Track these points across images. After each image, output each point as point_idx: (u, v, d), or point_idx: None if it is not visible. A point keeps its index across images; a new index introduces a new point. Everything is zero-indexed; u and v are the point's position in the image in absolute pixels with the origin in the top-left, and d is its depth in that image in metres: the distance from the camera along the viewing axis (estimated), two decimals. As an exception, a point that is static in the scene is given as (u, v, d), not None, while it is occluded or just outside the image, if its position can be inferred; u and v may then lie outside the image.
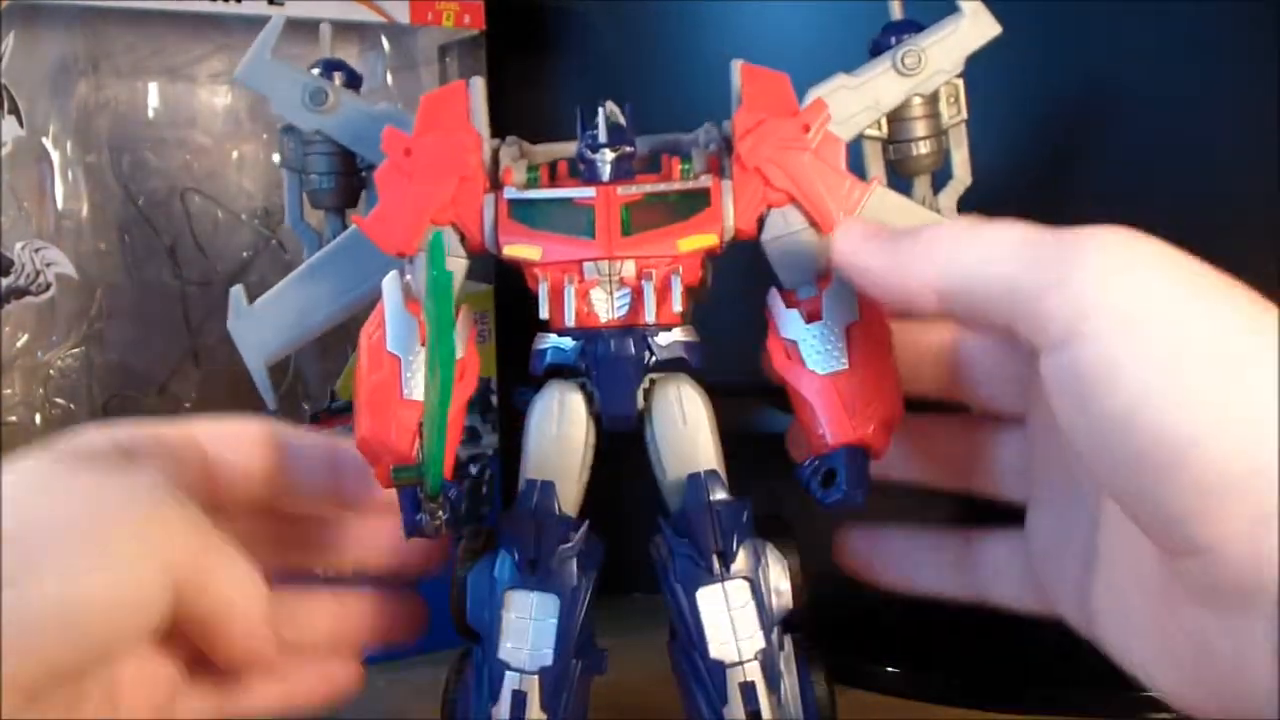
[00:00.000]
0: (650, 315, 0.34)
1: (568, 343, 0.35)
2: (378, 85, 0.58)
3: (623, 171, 0.35)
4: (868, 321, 0.34)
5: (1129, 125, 0.46)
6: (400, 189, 0.35)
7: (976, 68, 0.37)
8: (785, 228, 0.35)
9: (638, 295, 0.34)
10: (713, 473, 0.34)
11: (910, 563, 0.38)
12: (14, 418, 0.51)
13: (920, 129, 0.37)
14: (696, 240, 0.34)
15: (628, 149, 0.35)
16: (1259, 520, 0.23)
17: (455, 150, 0.36)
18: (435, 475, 0.31)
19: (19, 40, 0.50)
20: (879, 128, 0.37)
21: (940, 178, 0.38)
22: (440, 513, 0.32)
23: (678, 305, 0.34)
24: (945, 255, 0.30)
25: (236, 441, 0.36)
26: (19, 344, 0.51)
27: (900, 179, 0.38)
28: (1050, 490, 0.34)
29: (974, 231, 0.30)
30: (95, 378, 0.53)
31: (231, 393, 0.55)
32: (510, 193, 0.35)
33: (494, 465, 0.58)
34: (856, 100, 0.36)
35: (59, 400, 0.52)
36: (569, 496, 0.35)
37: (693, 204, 0.35)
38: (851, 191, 0.34)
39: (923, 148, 0.37)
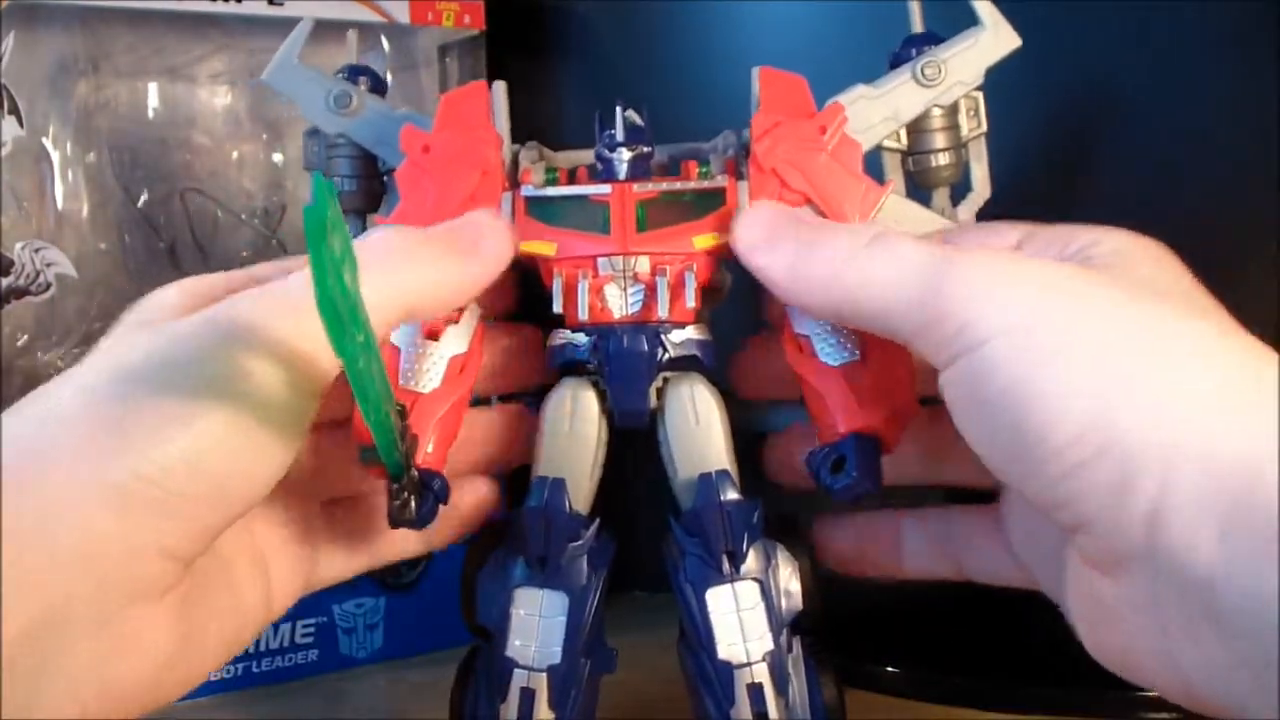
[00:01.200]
0: (663, 311, 0.34)
1: (581, 338, 0.35)
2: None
3: (639, 171, 0.35)
4: None
5: (1139, 133, 0.46)
6: (420, 186, 0.36)
7: (989, 76, 0.37)
8: None
9: (651, 292, 0.34)
10: (724, 473, 0.35)
11: (894, 548, 0.38)
12: (14, 418, 0.51)
13: (940, 141, 0.37)
14: (711, 238, 0.35)
15: (645, 149, 0.35)
16: (1115, 490, 0.25)
17: (475, 146, 0.36)
18: (387, 460, 0.30)
19: (19, 40, 0.50)
20: (898, 139, 0.37)
21: (959, 190, 0.38)
22: (408, 498, 0.32)
23: (691, 301, 0.34)
24: (844, 271, 0.30)
25: None
26: (19, 344, 0.51)
27: (919, 191, 0.38)
28: None
29: (872, 251, 0.30)
30: (95, 378, 0.53)
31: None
32: (527, 190, 0.36)
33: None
34: (876, 111, 0.36)
35: (59, 400, 0.52)
36: (580, 494, 0.35)
37: (708, 203, 0.35)
38: (868, 194, 0.35)
39: (942, 159, 0.38)
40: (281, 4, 0.51)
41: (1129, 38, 0.45)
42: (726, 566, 0.34)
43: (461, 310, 0.36)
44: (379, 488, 0.34)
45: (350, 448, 0.33)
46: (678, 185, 0.35)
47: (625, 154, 0.35)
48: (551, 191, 0.36)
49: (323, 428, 0.33)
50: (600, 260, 0.35)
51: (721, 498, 0.34)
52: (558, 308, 0.35)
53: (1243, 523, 0.24)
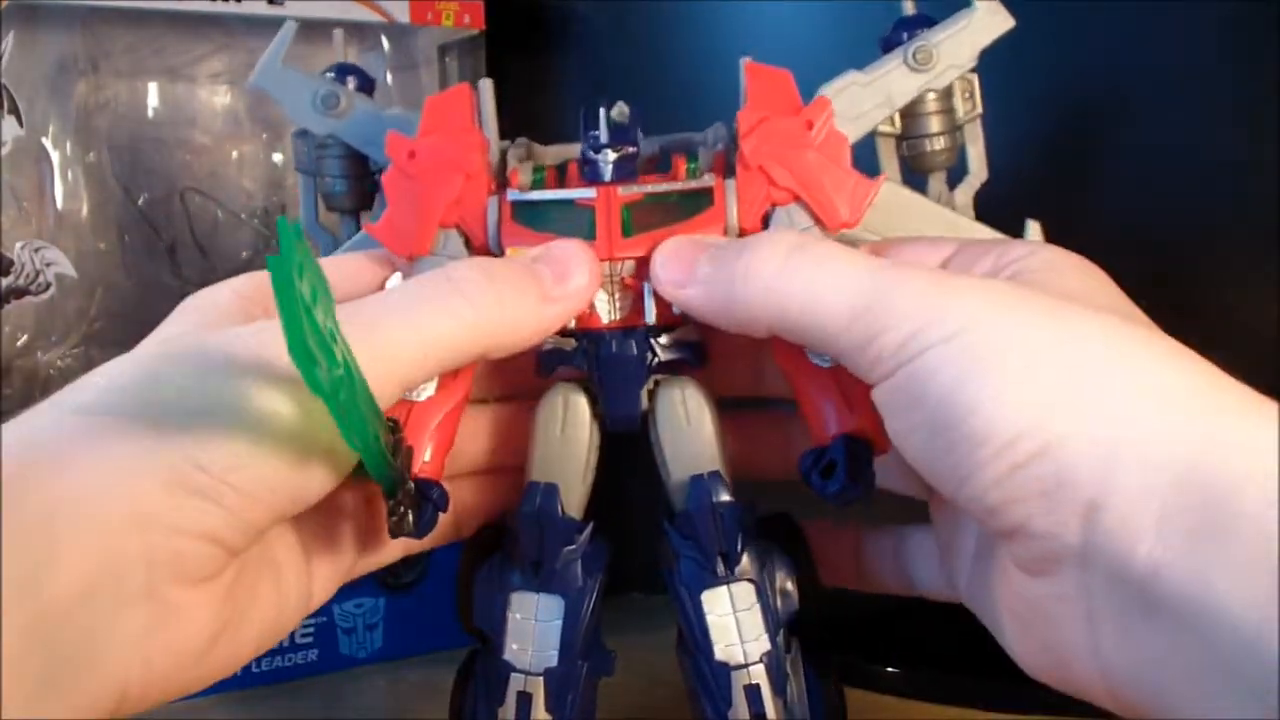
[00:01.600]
0: (650, 316, 0.34)
1: (570, 344, 0.35)
2: (378, 85, 0.58)
3: (626, 172, 0.35)
4: None
5: (1139, 121, 0.46)
6: (406, 192, 0.35)
7: (986, 63, 0.37)
8: (790, 226, 0.34)
9: (639, 296, 0.34)
10: (716, 474, 0.34)
11: (857, 560, 0.38)
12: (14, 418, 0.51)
13: (934, 125, 0.37)
14: None
15: (630, 149, 0.35)
16: (1052, 489, 0.26)
17: (459, 150, 0.35)
18: (379, 478, 0.30)
19: (19, 40, 0.50)
20: (892, 124, 0.37)
21: (955, 173, 0.38)
22: (404, 512, 0.31)
23: (678, 307, 0.34)
24: (773, 286, 0.30)
25: None
26: (19, 344, 0.51)
27: (915, 175, 0.38)
28: None
29: (798, 263, 0.30)
30: (95, 378, 0.53)
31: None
32: (513, 194, 0.35)
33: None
34: (868, 97, 0.36)
35: (59, 400, 0.52)
36: (574, 498, 0.35)
37: (695, 203, 0.34)
38: (858, 188, 0.34)
39: (937, 144, 0.37)
40: (282, 4, 0.51)
41: (1131, 28, 0.45)
42: (721, 568, 0.34)
43: None
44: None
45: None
46: (663, 187, 0.35)
47: (610, 155, 0.35)
48: (537, 196, 0.35)
49: None
50: None
51: (714, 499, 0.34)
52: None
53: (1180, 512, 0.24)
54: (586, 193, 0.35)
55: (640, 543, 0.36)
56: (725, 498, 0.34)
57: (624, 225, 0.34)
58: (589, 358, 0.34)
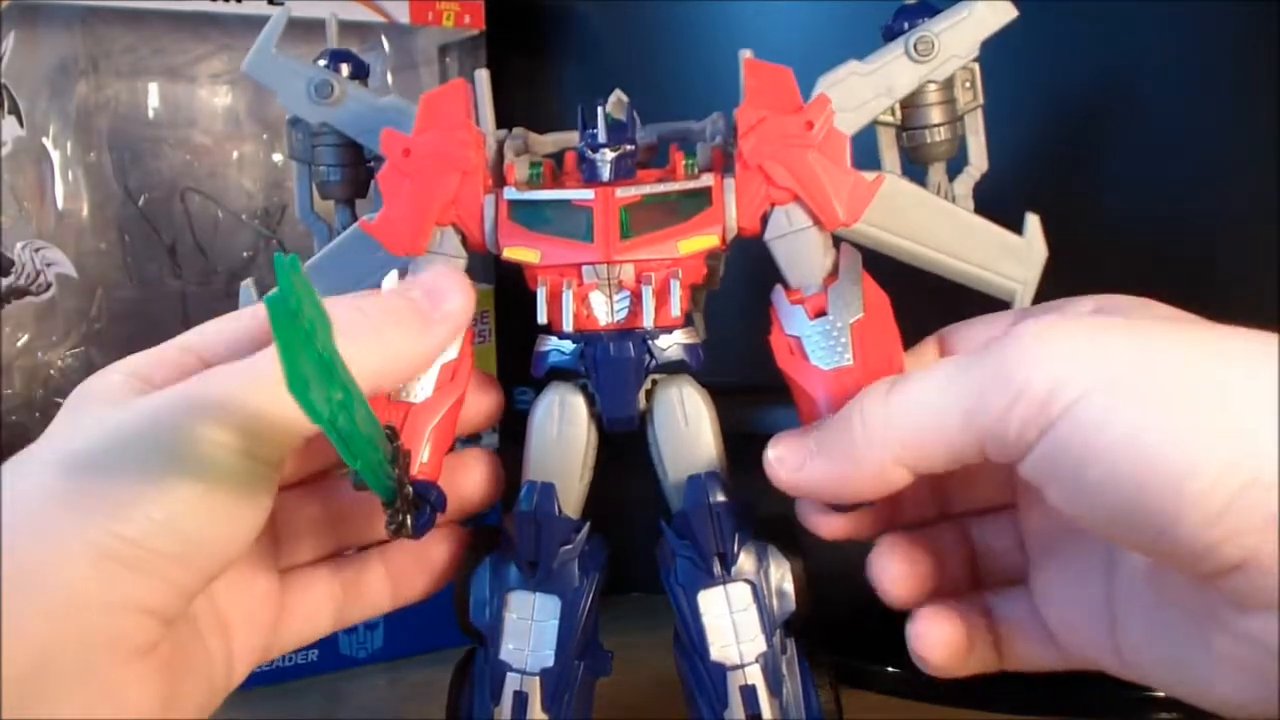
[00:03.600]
0: (648, 321, 0.34)
1: (568, 345, 0.35)
2: (378, 85, 0.58)
3: (624, 170, 0.35)
4: (873, 319, 0.33)
5: (1140, 114, 0.46)
6: (402, 189, 0.35)
7: (988, 56, 0.36)
8: (789, 226, 0.34)
9: (637, 299, 0.34)
10: (713, 474, 0.34)
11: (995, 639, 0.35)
12: (14, 418, 0.51)
13: (935, 115, 0.36)
14: (697, 242, 0.34)
15: (628, 147, 0.35)
16: (1271, 521, 0.25)
17: (454, 147, 0.35)
18: (378, 489, 0.30)
19: (19, 40, 0.50)
20: (893, 114, 0.36)
21: (955, 164, 0.37)
22: (403, 517, 0.31)
23: (676, 310, 0.34)
24: (889, 429, 0.30)
25: None
26: (19, 344, 0.51)
27: (915, 166, 0.37)
28: (1053, 555, 0.34)
29: (901, 401, 0.30)
30: (95, 378, 0.53)
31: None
32: (510, 193, 0.35)
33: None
34: (868, 87, 0.35)
35: (59, 400, 0.51)
36: (571, 497, 0.35)
37: (694, 204, 0.34)
38: (858, 189, 0.34)
39: (938, 135, 0.36)
40: (282, 4, 0.51)
41: (1133, 20, 0.45)
42: (718, 568, 0.34)
43: None
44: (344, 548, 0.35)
45: (307, 514, 0.35)
46: (660, 188, 0.34)
47: (608, 154, 0.34)
48: (534, 195, 0.35)
49: (279, 494, 0.33)
50: (585, 268, 0.34)
51: (710, 499, 0.34)
52: (542, 317, 0.34)
53: None
54: (584, 194, 0.34)
55: (642, 542, 0.36)
56: (721, 498, 0.34)
57: (623, 227, 0.34)
58: (586, 359, 0.34)
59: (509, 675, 0.34)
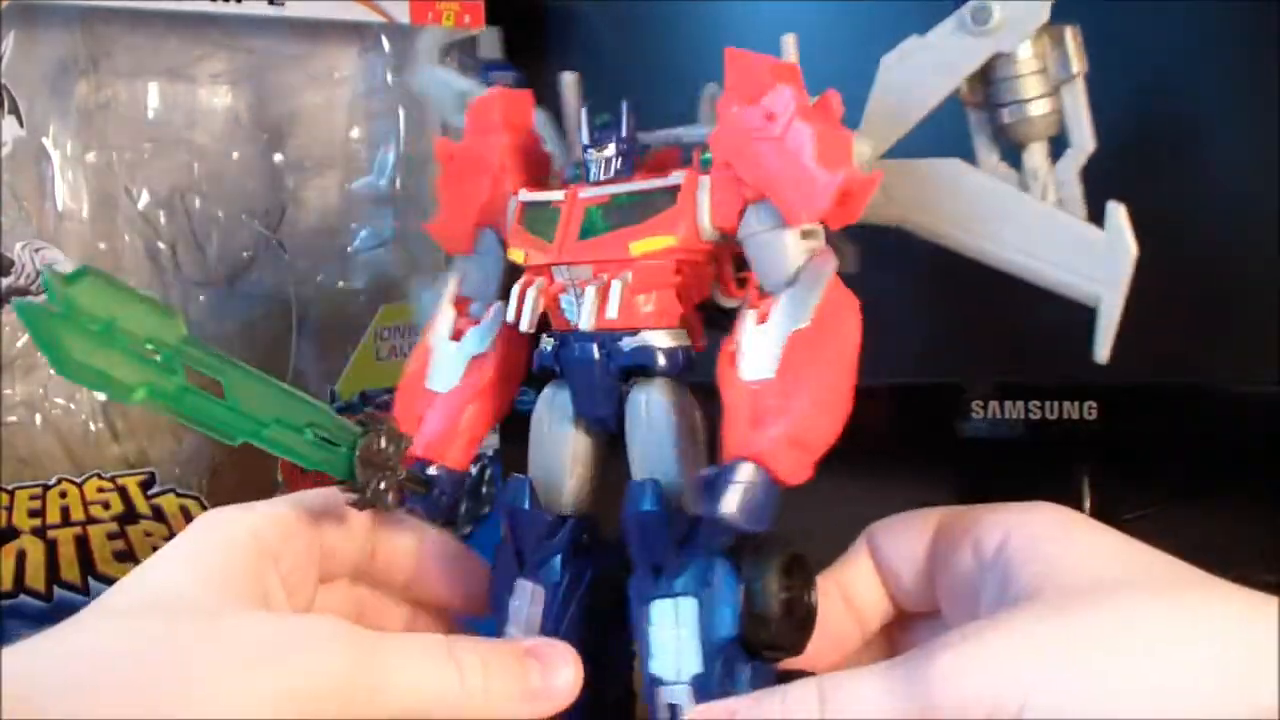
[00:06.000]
0: (585, 322, 0.33)
1: (548, 345, 0.35)
2: (378, 85, 0.58)
3: (619, 170, 0.35)
4: (819, 332, 0.30)
5: (1125, 122, 0.46)
6: (448, 195, 0.37)
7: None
8: (757, 224, 0.32)
9: (603, 300, 0.33)
10: (652, 481, 0.32)
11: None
12: (14, 418, 0.51)
13: (1025, 89, 0.32)
14: (649, 242, 0.33)
15: (621, 146, 0.35)
16: None
17: (485, 152, 0.36)
18: (301, 461, 0.32)
19: (19, 40, 0.50)
20: (976, 93, 0.33)
21: (1058, 144, 0.34)
22: (377, 490, 0.33)
23: (612, 312, 0.33)
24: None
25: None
26: (19, 344, 0.51)
27: (1011, 148, 0.34)
28: None
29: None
30: (95, 378, 0.53)
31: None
32: (523, 195, 0.36)
33: (495, 466, 0.58)
34: (929, 64, 0.33)
35: (59, 400, 0.52)
36: (561, 491, 0.35)
37: (658, 204, 0.33)
38: (826, 188, 0.30)
39: (1035, 109, 0.32)
40: (282, 4, 0.51)
41: (1138, 27, 0.45)
42: (660, 580, 0.32)
43: (490, 308, 0.37)
44: None
45: None
46: (628, 188, 0.34)
47: (594, 154, 0.35)
48: (532, 197, 0.36)
49: None
50: (555, 268, 0.34)
51: (638, 508, 0.32)
52: (511, 315, 0.34)
53: None
54: (557, 195, 0.35)
55: None
56: (650, 507, 0.32)
57: (584, 228, 0.34)
58: (561, 359, 0.35)
59: None
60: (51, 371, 0.52)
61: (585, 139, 0.35)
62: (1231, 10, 0.46)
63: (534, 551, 0.35)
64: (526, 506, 0.35)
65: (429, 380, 0.37)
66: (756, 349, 0.31)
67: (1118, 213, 0.32)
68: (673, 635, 0.32)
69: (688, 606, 0.32)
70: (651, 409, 0.33)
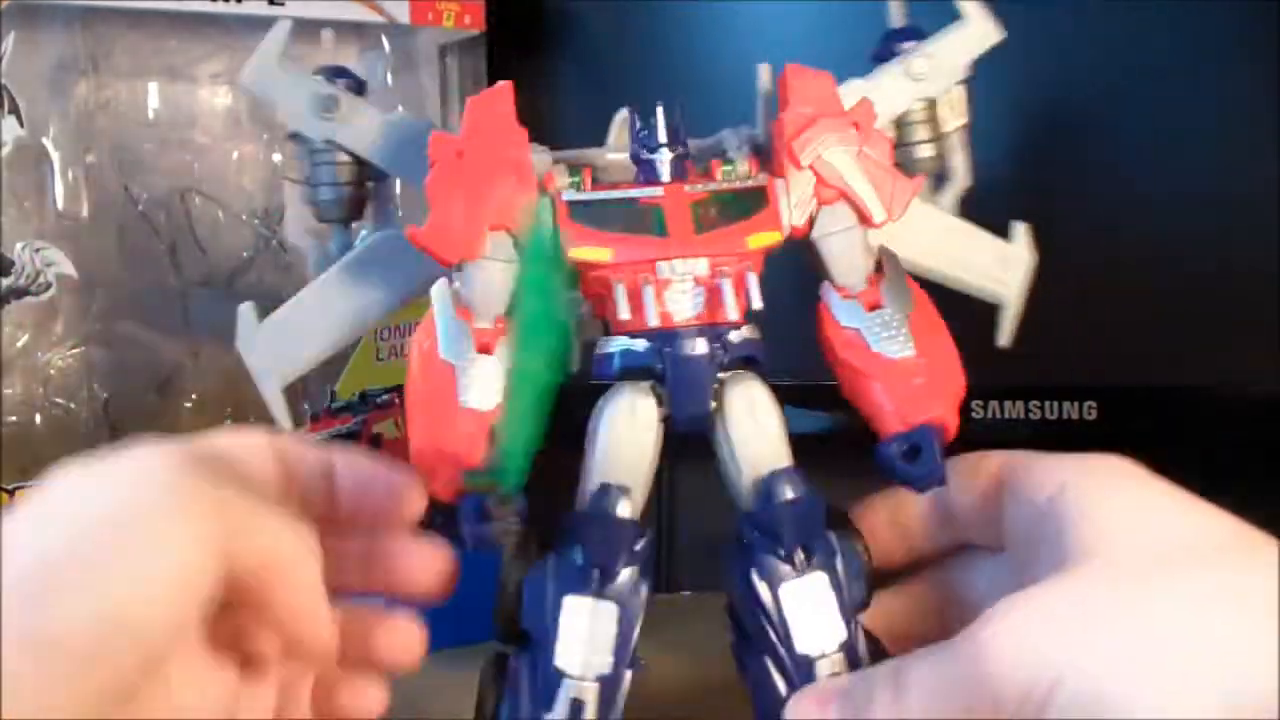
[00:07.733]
0: (732, 313, 0.33)
1: (640, 344, 0.34)
2: (378, 85, 0.58)
3: (680, 171, 0.35)
4: (923, 310, 0.35)
5: (1122, 124, 0.46)
6: (455, 195, 0.34)
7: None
8: (836, 224, 0.35)
9: (711, 293, 0.34)
10: (789, 470, 0.34)
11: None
12: (14, 418, 0.51)
13: (922, 133, 0.38)
14: (763, 237, 0.34)
15: (682, 150, 0.35)
16: None
17: (509, 149, 0.35)
18: (515, 477, 0.31)
19: (19, 40, 0.50)
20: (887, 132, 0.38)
21: (939, 179, 0.39)
22: (513, 519, 0.31)
23: (757, 302, 0.34)
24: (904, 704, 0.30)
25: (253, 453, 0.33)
26: (19, 344, 0.51)
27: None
28: None
29: (909, 684, 0.30)
30: (95, 378, 0.53)
31: (231, 392, 0.55)
32: (570, 194, 0.35)
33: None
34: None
35: (59, 400, 0.52)
36: (637, 502, 0.34)
37: (753, 203, 0.35)
38: (898, 188, 0.35)
39: (924, 151, 0.38)
40: (282, 4, 0.51)
41: (1118, 29, 0.46)
42: (800, 560, 0.34)
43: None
44: None
45: None
46: (725, 185, 0.35)
47: (667, 154, 0.35)
48: (598, 195, 0.35)
49: None
50: (660, 264, 0.34)
51: (791, 495, 0.34)
52: (623, 314, 0.34)
53: None
54: (653, 191, 0.35)
55: (691, 542, 0.36)
56: (799, 494, 0.34)
57: (695, 222, 0.34)
58: (662, 357, 0.34)
59: (565, 682, 0.33)
60: (52, 371, 0.52)
61: (662, 138, 0.35)
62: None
63: (613, 565, 0.33)
64: (627, 519, 0.34)
65: (465, 399, 0.33)
66: (883, 330, 0.34)
67: (1021, 230, 0.39)
68: (812, 612, 0.33)
69: (819, 582, 0.34)
70: (757, 402, 0.35)
